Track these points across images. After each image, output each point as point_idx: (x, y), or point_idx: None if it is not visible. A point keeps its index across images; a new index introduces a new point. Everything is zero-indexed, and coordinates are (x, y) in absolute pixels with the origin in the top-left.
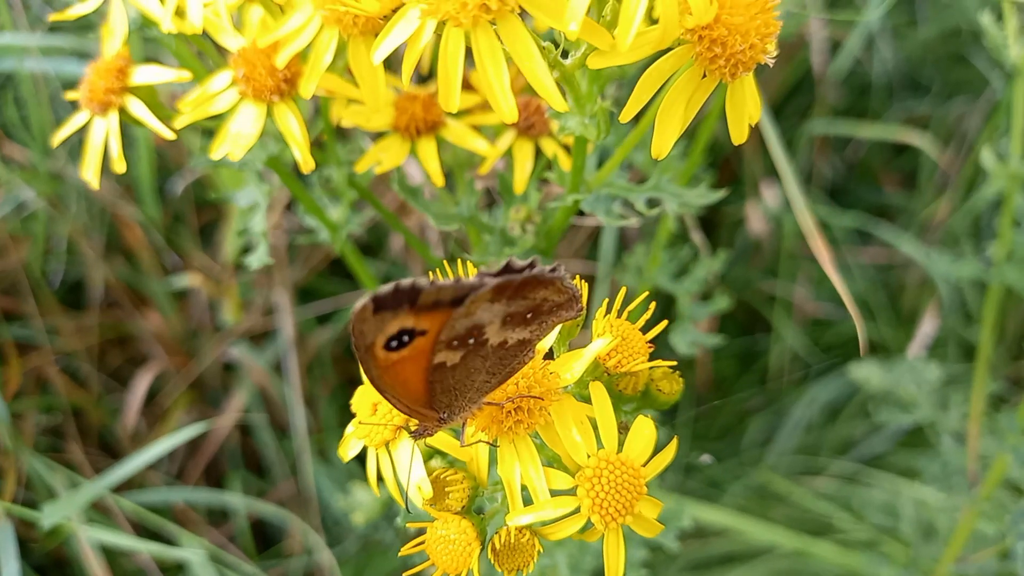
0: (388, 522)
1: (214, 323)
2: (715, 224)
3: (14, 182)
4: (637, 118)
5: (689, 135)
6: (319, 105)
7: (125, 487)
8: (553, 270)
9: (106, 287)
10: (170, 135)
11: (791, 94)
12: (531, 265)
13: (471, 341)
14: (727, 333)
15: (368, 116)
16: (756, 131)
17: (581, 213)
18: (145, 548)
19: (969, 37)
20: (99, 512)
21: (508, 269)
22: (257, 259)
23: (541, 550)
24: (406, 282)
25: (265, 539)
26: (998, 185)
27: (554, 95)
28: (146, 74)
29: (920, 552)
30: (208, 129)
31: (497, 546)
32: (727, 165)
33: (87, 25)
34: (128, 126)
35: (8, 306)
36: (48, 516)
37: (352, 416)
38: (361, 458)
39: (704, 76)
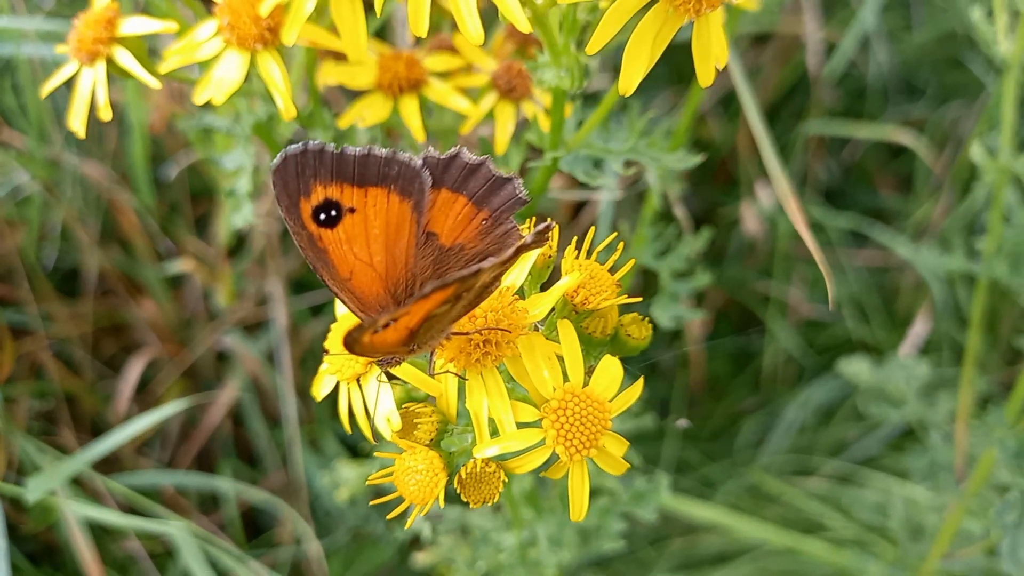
0: (379, 514)
1: (208, 311)
2: (710, 224)
3: (9, 165)
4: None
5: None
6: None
7: (115, 471)
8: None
9: (101, 274)
10: (156, 84)
11: (787, 96)
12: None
13: None
14: (721, 333)
15: (352, 74)
16: (751, 133)
17: (585, 188)
18: (131, 524)
19: (965, 41)
20: (88, 495)
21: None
22: (242, 218)
23: (507, 481)
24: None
25: (255, 529)
26: (988, 179)
27: (518, 15)
28: (134, 25)
29: (908, 550)
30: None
31: (463, 476)
32: (723, 166)
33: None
34: (123, 113)
35: (2, 292)
36: (33, 489)
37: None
38: (348, 443)
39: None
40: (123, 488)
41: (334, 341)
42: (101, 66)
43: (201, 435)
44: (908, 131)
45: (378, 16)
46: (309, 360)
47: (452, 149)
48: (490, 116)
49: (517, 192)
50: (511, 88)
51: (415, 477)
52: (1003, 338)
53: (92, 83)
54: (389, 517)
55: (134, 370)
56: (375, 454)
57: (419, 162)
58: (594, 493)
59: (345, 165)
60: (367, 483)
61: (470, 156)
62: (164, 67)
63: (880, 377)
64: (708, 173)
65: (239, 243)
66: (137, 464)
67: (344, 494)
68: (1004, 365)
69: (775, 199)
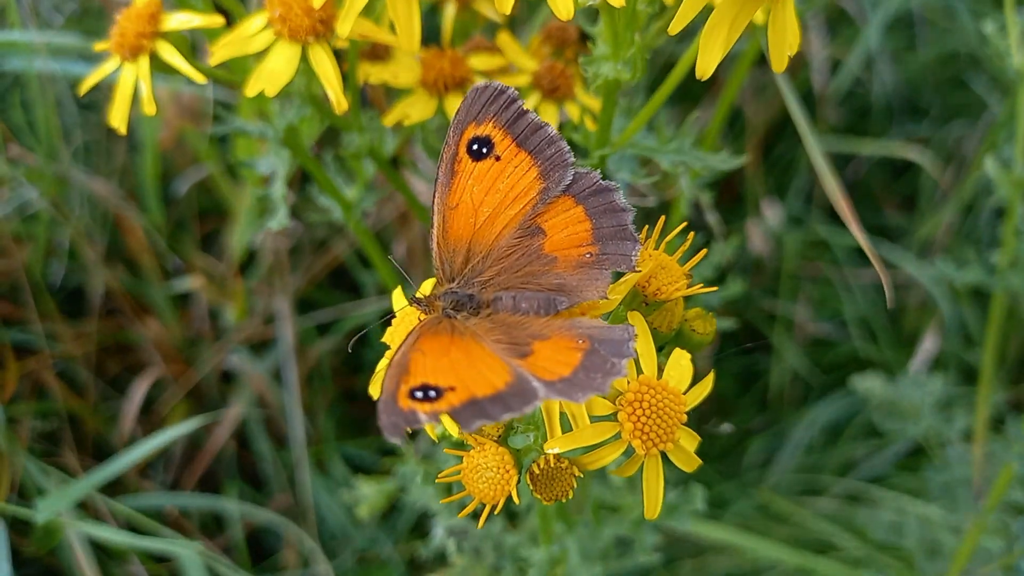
0: (387, 534)
1: (214, 330)
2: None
3: (18, 180)
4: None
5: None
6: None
7: (119, 493)
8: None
9: (107, 293)
10: (201, 79)
11: None
12: None
13: None
14: (727, 351)
15: (395, 73)
16: (757, 151)
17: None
18: (137, 546)
19: (968, 61)
20: (91, 516)
21: None
22: (277, 222)
23: (581, 476)
24: None
25: (261, 552)
26: (1001, 193)
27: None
28: (178, 20)
29: (925, 569)
30: (216, 135)
31: (536, 472)
32: (729, 185)
33: (93, 31)
34: (135, 130)
35: (7, 310)
36: (41, 512)
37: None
38: (355, 463)
39: None
40: (127, 510)
41: (395, 340)
42: (144, 62)
43: (206, 456)
44: (913, 147)
45: None
46: (315, 380)
47: (615, 183)
48: None
49: (632, 254)
50: (555, 88)
51: (486, 475)
52: (1010, 357)
53: (134, 79)
54: (461, 515)
55: (139, 390)
56: (445, 451)
57: (571, 158)
58: (623, 507)
59: (520, 123)
60: (437, 480)
61: (622, 199)
62: (212, 59)
63: (893, 393)
64: (714, 191)
65: (247, 260)
66: (140, 486)
67: (364, 512)
68: (1011, 384)
69: (782, 217)
